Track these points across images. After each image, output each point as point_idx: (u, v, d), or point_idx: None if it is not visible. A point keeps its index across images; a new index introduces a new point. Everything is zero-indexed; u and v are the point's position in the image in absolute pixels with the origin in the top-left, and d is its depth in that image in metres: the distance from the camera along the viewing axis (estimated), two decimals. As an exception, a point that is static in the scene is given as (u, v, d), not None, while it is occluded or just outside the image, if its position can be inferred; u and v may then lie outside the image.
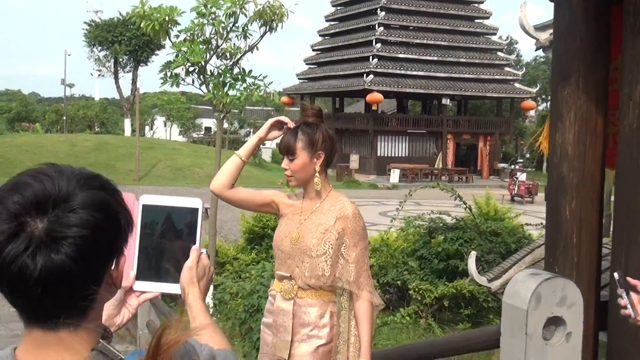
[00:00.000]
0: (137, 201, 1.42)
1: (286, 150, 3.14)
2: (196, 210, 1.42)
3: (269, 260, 9.23)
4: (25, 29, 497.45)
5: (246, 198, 3.27)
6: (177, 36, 10.17)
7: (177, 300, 11.30)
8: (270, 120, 3.23)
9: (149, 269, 1.43)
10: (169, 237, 1.44)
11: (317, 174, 3.15)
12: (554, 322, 3.17)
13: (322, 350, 3.15)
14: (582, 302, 3.17)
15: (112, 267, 1.15)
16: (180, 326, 1.04)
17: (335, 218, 3.14)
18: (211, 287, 9.50)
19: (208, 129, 62.03)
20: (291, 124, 3.18)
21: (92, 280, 1.09)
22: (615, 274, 2.14)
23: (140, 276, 1.42)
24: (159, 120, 66.50)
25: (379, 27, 41.24)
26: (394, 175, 39.14)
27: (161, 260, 1.43)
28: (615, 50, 3.35)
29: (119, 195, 1.16)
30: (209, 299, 9.41)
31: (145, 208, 1.43)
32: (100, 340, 1.12)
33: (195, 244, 1.43)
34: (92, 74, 58.63)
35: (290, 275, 3.17)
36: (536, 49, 6.68)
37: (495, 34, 44.84)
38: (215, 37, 10.13)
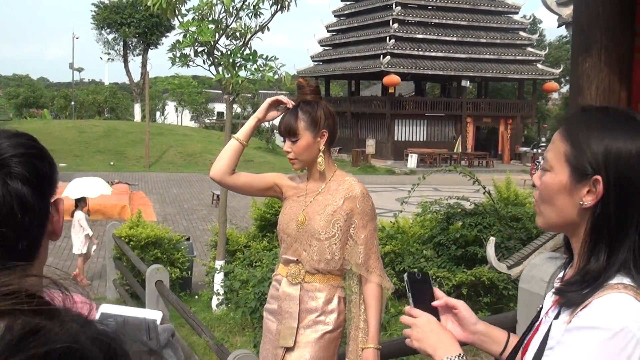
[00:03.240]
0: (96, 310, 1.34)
1: (288, 131, 3.04)
2: (155, 322, 1.34)
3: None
4: (33, 10, 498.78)
5: (247, 183, 3.16)
6: (185, 15, 9.85)
7: (187, 290, 10.40)
8: (268, 100, 3.11)
9: None
10: None
11: (321, 154, 3.08)
12: None
13: (328, 337, 3.06)
14: None
15: (52, 210, 1.12)
16: None
17: (344, 198, 3.06)
18: (221, 275, 8.68)
19: (221, 114, 61.35)
20: (290, 104, 3.07)
21: (42, 210, 1.07)
22: (405, 275, 1.70)
23: None
24: (170, 106, 66.11)
25: (396, 6, 40.21)
26: (412, 160, 38.50)
27: None
28: None
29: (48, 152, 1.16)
30: (218, 286, 9.03)
31: (104, 317, 1.35)
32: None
33: None
34: (101, 58, 58.26)
35: (297, 259, 3.08)
36: (558, 26, 6.49)
37: (517, 12, 43.59)
38: (225, 16, 9.82)
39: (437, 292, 1.67)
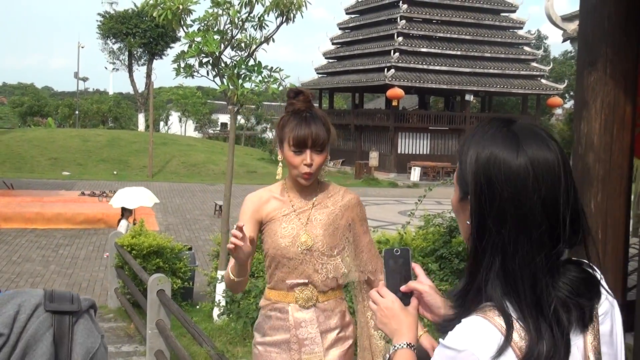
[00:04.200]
0: None
1: (316, 142, 2.78)
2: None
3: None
4: (39, 20, 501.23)
5: (252, 251, 2.78)
6: (191, 26, 9.87)
7: (189, 300, 10.38)
8: (229, 247, 2.53)
9: None
10: None
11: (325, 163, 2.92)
12: None
13: (351, 351, 3.00)
14: None
15: None
16: None
17: (343, 209, 2.93)
18: (223, 285, 8.65)
19: (224, 125, 61.41)
20: (242, 231, 2.54)
21: None
22: (383, 251, 1.66)
23: None
24: (174, 116, 66.26)
25: (400, 20, 40.23)
26: (415, 174, 38.46)
27: None
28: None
29: None
30: (219, 296, 8.95)
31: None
32: None
33: None
34: (106, 68, 58.48)
35: (307, 281, 2.87)
36: (563, 40, 6.54)
37: (521, 27, 43.67)
38: (230, 27, 9.83)
39: (416, 269, 1.63)
